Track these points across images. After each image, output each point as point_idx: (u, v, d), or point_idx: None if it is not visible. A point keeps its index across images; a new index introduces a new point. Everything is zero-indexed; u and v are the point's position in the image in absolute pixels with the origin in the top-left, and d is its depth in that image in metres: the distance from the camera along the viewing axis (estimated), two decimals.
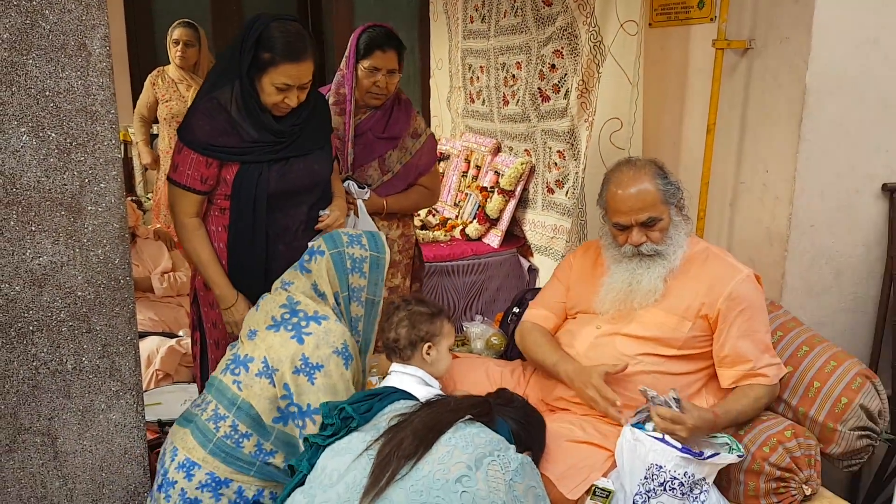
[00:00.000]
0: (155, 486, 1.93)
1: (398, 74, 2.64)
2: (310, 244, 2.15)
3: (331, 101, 2.64)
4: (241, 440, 1.91)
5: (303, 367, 1.92)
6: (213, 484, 1.88)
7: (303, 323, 1.96)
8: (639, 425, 2.03)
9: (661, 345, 2.14)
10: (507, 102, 4.00)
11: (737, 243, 2.65)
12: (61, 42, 1.92)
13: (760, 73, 2.47)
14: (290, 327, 1.96)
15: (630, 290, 2.18)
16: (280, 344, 1.94)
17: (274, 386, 1.91)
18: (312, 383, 1.92)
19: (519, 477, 1.55)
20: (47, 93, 1.93)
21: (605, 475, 2.00)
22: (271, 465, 1.93)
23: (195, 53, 4.30)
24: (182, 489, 1.87)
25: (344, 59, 2.67)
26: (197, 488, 1.88)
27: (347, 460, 1.61)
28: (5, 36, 1.84)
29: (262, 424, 1.92)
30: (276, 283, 2.12)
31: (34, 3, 1.89)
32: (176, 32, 4.27)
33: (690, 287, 2.13)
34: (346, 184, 2.57)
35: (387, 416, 1.70)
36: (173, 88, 4.30)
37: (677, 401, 1.96)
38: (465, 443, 1.58)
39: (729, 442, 2.02)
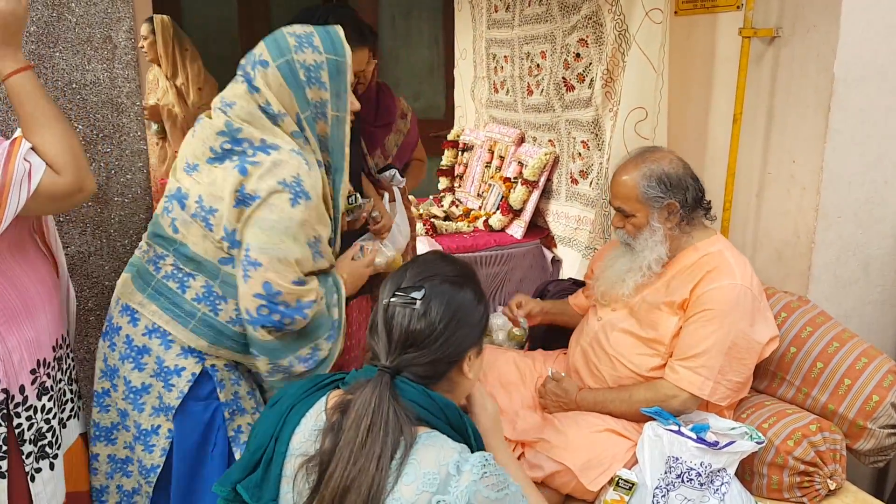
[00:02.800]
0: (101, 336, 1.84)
1: (374, 62, 2.61)
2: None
3: None
4: (185, 280, 1.73)
5: (241, 198, 1.64)
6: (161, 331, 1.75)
7: (249, 152, 1.66)
8: (661, 418, 2.03)
9: (656, 343, 2.13)
10: (531, 92, 3.98)
11: (763, 235, 2.62)
12: (87, 35, 1.95)
13: (787, 62, 2.43)
14: (234, 158, 1.67)
15: (607, 275, 2.24)
16: (223, 178, 1.66)
17: (211, 230, 1.69)
18: (251, 219, 1.64)
19: None
20: (74, 85, 1.96)
21: (627, 467, 2.00)
22: (213, 323, 1.74)
23: (152, 46, 4.31)
24: (128, 335, 1.76)
25: None
26: (144, 334, 1.75)
27: None
28: (32, 29, 1.87)
29: (204, 264, 1.72)
30: (216, 101, 1.75)
31: None
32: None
33: (683, 280, 2.11)
34: (388, 173, 2.60)
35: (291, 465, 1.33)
36: (154, 82, 4.39)
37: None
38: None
39: (748, 431, 2.01)
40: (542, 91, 3.84)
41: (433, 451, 1.23)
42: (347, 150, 1.81)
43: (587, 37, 3.37)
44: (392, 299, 1.33)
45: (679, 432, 1.96)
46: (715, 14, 2.72)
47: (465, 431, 1.35)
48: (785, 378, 2.23)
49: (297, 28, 1.74)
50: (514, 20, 4.02)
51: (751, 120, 2.56)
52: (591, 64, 3.39)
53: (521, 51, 3.99)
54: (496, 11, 4.23)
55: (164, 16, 4.29)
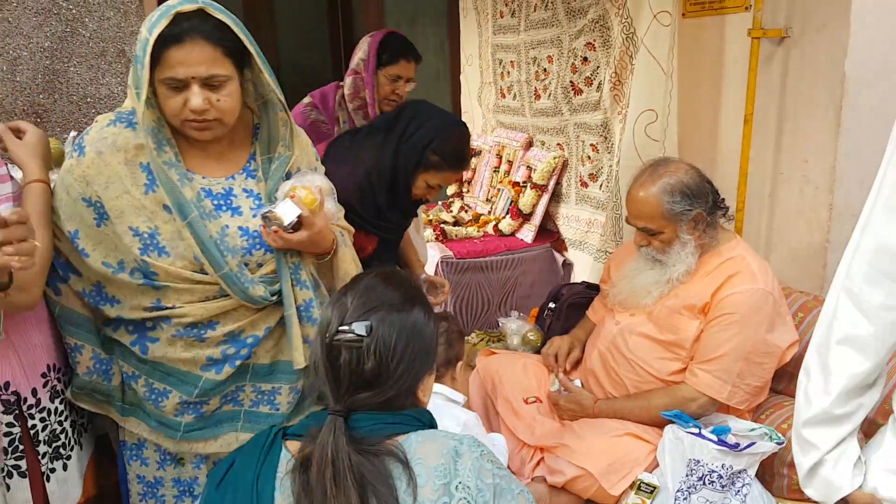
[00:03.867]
0: None
1: (413, 83, 2.68)
2: None
3: (351, 105, 2.69)
4: None
5: None
6: None
7: None
8: (680, 421, 2.03)
9: (676, 347, 2.12)
10: (538, 97, 3.98)
11: (777, 235, 2.61)
12: (101, 49, 1.96)
13: (798, 63, 2.43)
14: None
15: (630, 286, 2.21)
16: None
17: None
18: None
19: (484, 496, 1.18)
20: (88, 99, 1.97)
21: (648, 470, 2.00)
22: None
23: None
24: None
25: (359, 61, 2.69)
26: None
27: None
28: (46, 45, 1.88)
29: None
30: None
31: (74, 11, 1.93)
32: None
33: (705, 284, 2.10)
34: None
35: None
36: None
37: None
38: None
39: (768, 432, 2.01)
40: (549, 95, 3.85)
41: (431, 444, 1.19)
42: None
43: (594, 40, 3.37)
44: (336, 337, 1.20)
45: (700, 435, 1.96)
46: (723, 15, 2.72)
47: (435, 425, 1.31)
48: None
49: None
50: (520, 25, 4.03)
51: (762, 120, 2.55)
52: (598, 67, 3.40)
53: (528, 56, 4.00)
54: (502, 17, 4.24)
55: None
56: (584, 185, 3.68)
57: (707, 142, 2.86)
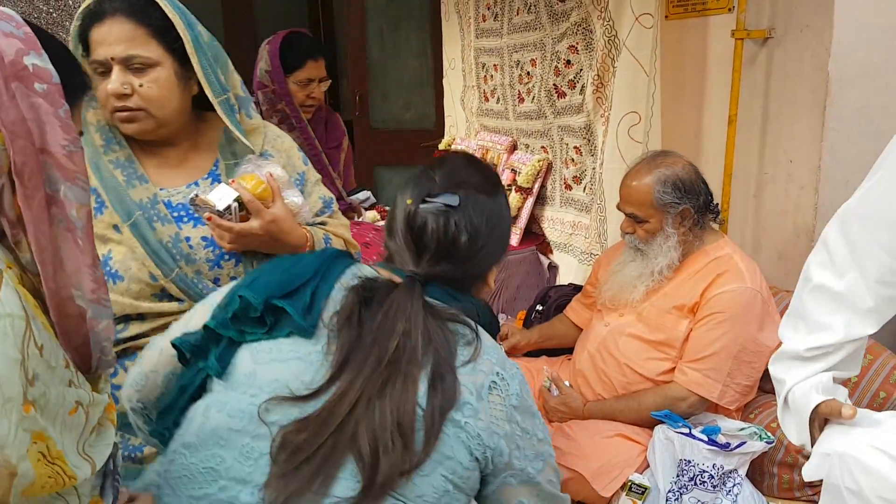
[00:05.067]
0: None
1: (328, 80, 2.58)
2: None
3: (273, 121, 2.52)
4: None
5: None
6: None
7: None
8: (670, 421, 2.02)
9: (666, 347, 2.12)
10: (522, 100, 3.98)
11: (762, 235, 2.62)
12: None
13: (781, 63, 2.44)
14: None
15: (616, 280, 2.23)
16: None
17: None
18: None
19: (517, 400, 1.18)
20: None
21: (638, 471, 2.00)
22: None
23: None
24: None
25: (263, 73, 2.53)
26: None
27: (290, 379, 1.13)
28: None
29: None
30: None
31: (55, 15, 1.90)
32: None
33: (693, 284, 2.11)
34: (361, 194, 2.57)
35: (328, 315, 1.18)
36: None
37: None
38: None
39: (757, 431, 2.01)
40: (533, 98, 3.84)
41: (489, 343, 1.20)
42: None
43: (577, 43, 3.37)
44: (421, 206, 1.21)
45: (690, 435, 1.96)
46: (706, 17, 2.73)
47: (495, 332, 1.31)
48: None
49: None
50: (502, 29, 4.03)
51: (746, 121, 2.56)
52: (581, 70, 3.40)
53: (511, 59, 4.00)
54: (484, 21, 4.23)
55: None
56: (569, 187, 3.68)
57: (691, 143, 2.86)
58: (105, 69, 1.42)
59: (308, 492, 1.02)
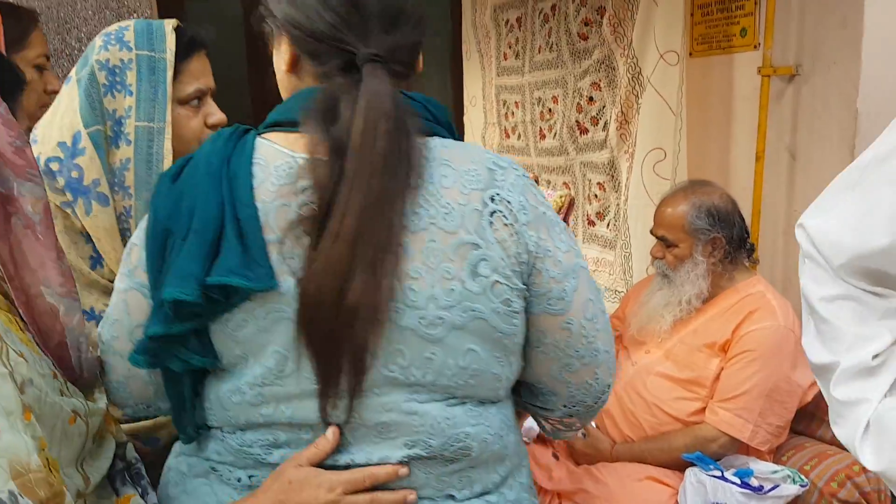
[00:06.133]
0: None
1: None
2: None
3: None
4: None
5: None
6: None
7: None
8: (702, 463, 1.98)
9: (696, 386, 2.08)
10: (543, 136, 3.99)
11: (793, 273, 2.58)
12: None
13: (809, 99, 2.43)
14: None
15: (644, 311, 2.21)
16: None
17: None
18: None
19: (527, 215, 0.99)
20: None
21: None
22: None
23: None
24: None
25: None
26: None
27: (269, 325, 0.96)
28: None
29: None
30: None
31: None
32: None
33: (724, 321, 2.08)
34: None
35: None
36: None
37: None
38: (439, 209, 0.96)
39: (790, 474, 1.96)
40: (554, 135, 3.85)
41: (459, 150, 1.00)
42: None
43: (600, 80, 3.38)
44: None
45: (722, 478, 1.91)
46: (731, 54, 2.73)
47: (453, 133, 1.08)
48: (824, 419, 2.18)
49: (115, 24, 1.42)
50: (524, 67, 4.05)
51: (773, 157, 2.54)
52: (604, 107, 3.40)
53: (533, 96, 4.01)
54: (506, 59, 4.26)
55: None
56: (591, 223, 3.66)
57: (718, 179, 2.84)
58: (197, 99, 1.41)
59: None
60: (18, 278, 0.93)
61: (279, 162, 0.96)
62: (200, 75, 1.41)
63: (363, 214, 0.89)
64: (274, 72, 1.08)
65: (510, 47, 4.18)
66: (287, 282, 0.93)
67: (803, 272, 1.23)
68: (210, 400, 1.04)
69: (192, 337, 0.98)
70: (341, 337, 0.92)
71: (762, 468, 2.01)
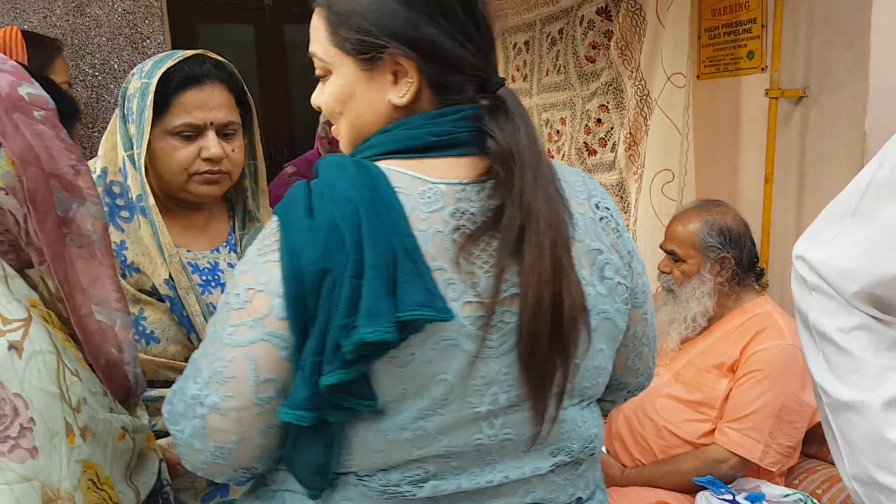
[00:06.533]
0: None
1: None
2: None
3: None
4: None
5: None
6: None
7: None
8: (714, 487, 1.96)
9: (705, 407, 2.07)
10: (552, 157, 4.00)
11: None
12: None
13: (817, 121, 2.43)
14: None
15: None
16: None
17: None
18: None
19: (620, 219, 1.09)
20: None
21: None
22: None
23: None
24: None
25: (322, 124, 2.72)
26: None
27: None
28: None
29: None
30: None
31: (100, 78, 1.95)
32: None
33: (732, 341, 2.07)
34: None
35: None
36: None
37: None
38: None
39: (803, 497, 1.95)
40: (563, 156, 3.86)
41: (556, 164, 1.04)
42: (151, 203, 1.39)
43: (608, 102, 3.40)
44: None
45: (734, 502, 1.90)
46: (739, 76, 2.74)
47: None
48: None
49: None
50: (532, 89, 4.07)
51: (782, 179, 2.55)
52: (612, 128, 3.41)
53: (541, 118, 4.03)
54: (514, 81, 4.29)
55: None
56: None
57: (726, 200, 2.84)
58: (193, 133, 1.40)
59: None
60: (71, 298, 0.96)
61: (420, 189, 0.93)
62: (195, 109, 1.39)
63: (552, 222, 0.92)
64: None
65: (518, 70, 4.21)
66: (453, 308, 0.91)
67: (810, 305, 1.18)
68: (353, 445, 0.95)
69: (362, 380, 0.90)
70: (556, 347, 0.93)
71: (774, 492, 1.99)
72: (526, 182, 0.92)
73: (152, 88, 1.35)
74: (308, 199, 0.92)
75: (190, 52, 1.42)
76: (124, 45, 1.97)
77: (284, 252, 0.90)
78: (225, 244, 1.55)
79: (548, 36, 3.84)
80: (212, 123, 1.41)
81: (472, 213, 0.93)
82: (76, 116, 1.08)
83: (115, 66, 2.02)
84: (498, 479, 0.98)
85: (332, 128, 1.08)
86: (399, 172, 0.94)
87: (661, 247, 2.23)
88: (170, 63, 1.38)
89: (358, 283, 0.86)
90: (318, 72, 1.03)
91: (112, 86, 2.00)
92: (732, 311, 2.12)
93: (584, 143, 3.63)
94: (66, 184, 0.94)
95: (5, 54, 1.69)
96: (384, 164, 0.95)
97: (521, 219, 0.91)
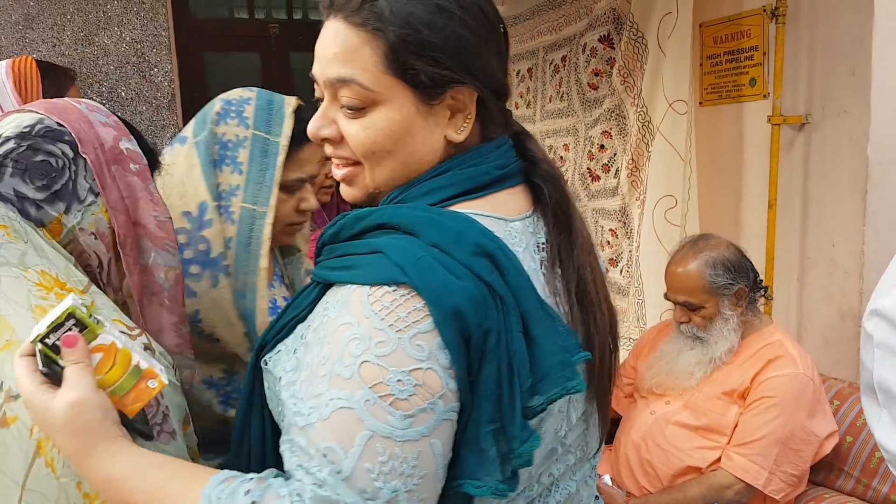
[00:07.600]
0: None
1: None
2: None
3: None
4: None
5: None
6: None
7: None
8: None
9: (714, 433, 2.06)
10: None
11: (807, 320, 2.57)
12: None
13: (819, 147, 2.44)
14: None
15: (669, 367, 2.16)
16: None
17: None
18: None
19: None
20: None
21: None
22: None
23: None
24: None
25: None
26: None
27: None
28: None
29: None
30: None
31: (108, 106, 1.97)
32: None
33: (744, 369, 2.06)
34: None
35: None
36: None
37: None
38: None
39: None
40: (567, 182, 3.87)
41: None
42: (263, 266, 1.32)
43: (611, 129, 3.41)
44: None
45: None
46: (741, 103, 2.75)
47: None
48: (843, 469, 2.14)
49: (238, 92, 1.38)
50: (535, 116, 4.10)
51: (786, 205, 2.55)
52: (615, 154, 3.42)
53: (544, 144, 4.05)
54: (517, 108, 4.31)
55: None
56: (605, 270, 3.66)
57: (731, 227, 2.85)
58: (299, 186, 1.37)
59: None
60: None
61: (505, 230, 0.89)
62: (307, 163, 1.37)
63: (588, 241, 0.96)
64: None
65: (521, 97, 4.24)
66: None
67: (882, 361, 1.10)
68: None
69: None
70: (611, 367, 0.98)
71: None
72: (571, 216, 0.95)
73: (284, 143, 1.30)
74: (433, 258, 0.82)
75: (295, 101, 1.37)
76: (132, 73, 1.99)
77: (439, 319, 0.79)
78: (275, 277, 1.49)
79: (551, 63, 3.87)
80: (312, 176, 1.39)
81: (543, 243, 0.92)
82: (157, 168, 1.13)
83: (123, 93, 2.04)
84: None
85: (335, 166, 0.97)
86: (479, 216, 0.88)
87: (668, 298, 2.19)
88: (288, 114, 1.32)
89: (527, 338, 0.82)
90: (351, 101, 0.90)
91: (119, 113, 2.01)
92: (749, 336, 2.11)
93: (588, 168, 3.64)
94: (147, 233, 1.03)
95: (21, 84, 1.72)
96: (462, 208, 0.89)
97: (569, 243, 0.93)
